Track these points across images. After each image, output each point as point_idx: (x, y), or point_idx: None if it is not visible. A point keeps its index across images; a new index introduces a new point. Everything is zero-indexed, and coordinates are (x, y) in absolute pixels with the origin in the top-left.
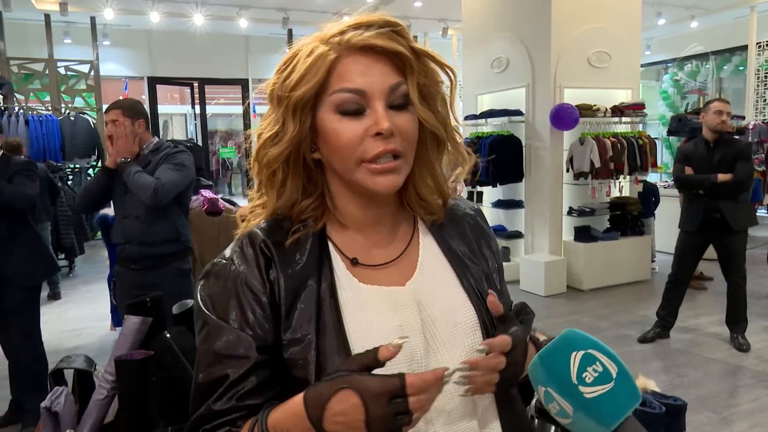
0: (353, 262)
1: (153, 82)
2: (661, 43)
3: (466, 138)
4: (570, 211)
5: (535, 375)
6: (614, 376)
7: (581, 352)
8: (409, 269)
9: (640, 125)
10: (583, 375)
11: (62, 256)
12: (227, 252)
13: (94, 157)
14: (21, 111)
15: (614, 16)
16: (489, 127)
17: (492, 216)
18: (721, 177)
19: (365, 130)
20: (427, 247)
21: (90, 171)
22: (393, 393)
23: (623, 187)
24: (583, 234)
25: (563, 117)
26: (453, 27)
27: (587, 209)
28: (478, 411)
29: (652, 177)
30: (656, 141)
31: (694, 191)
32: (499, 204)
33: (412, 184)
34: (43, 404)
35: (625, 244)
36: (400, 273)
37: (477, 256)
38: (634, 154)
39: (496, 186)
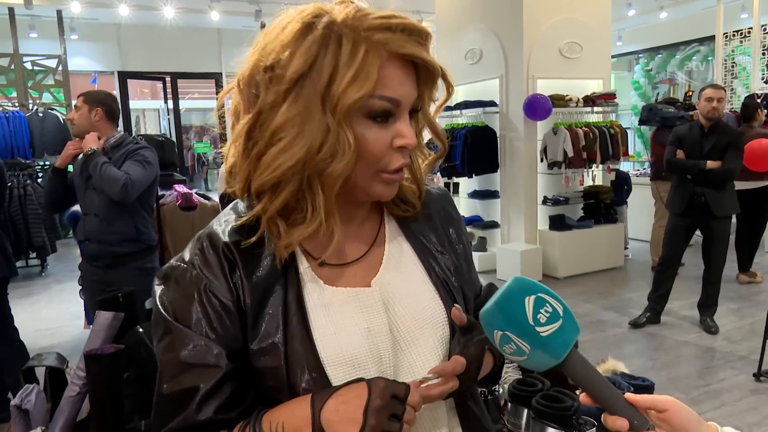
0: (320, 264)
1: (123, 76)
2: (632, 33)
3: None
4: (545, 201)
5: (492, 321)
6: (561, 314)
7: (533, 296)
8: (376, 265)
9: (612, 115)
10: (538, 316)
11: (33, 255)
12: (186, 254)
13: None
14: None
15: (585, 7)
16: (464, 118)
17: (468, 206)
18: (710, 164)
19: (391, 140)
20: (394, 241)
21: None
22: (396, 394)
23: (596, 175)
24: (557, 223)
25: (536, 107)
26: (428, 19)
27: (561, 198)
28: (442, 420)
29: (624, 166)
30: (628, 130)
31: (682, 175)
32: (475, 194)
33: None
34: (13, 402)
35: (598, 231)
36: (367, 270)
37: (445, 246)
38: (606, 144)
39: (472, 177)
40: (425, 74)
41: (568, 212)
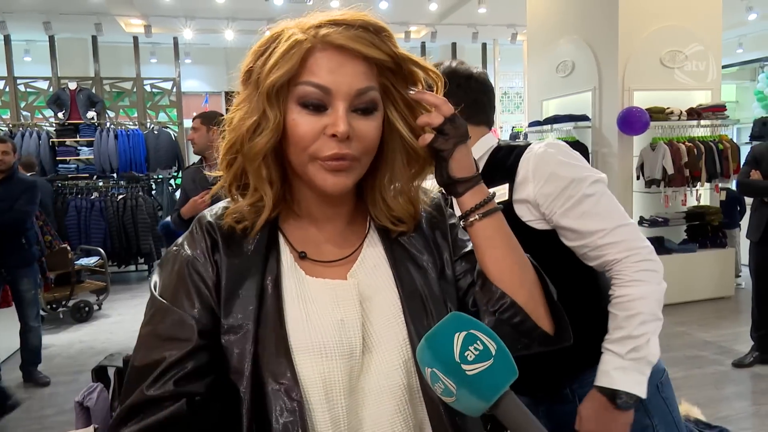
0: (301, 256)
1: (229, 96)
2: (755, 39)
3: None
4: (641, 221)
5: (422, 357)
6: (493, 353)
7: (464, 333)
8: (353, 265)
9: (733, 128)
10: (465, 354)
11: (142, 260)
12: (180, 239)
13: (175, 168)
14: (111, 126)
15: (691, 12)
16: (555, 133)
17: None
18: None
19: (323, 128)
20: (373, 247)
21: (171, 181)
22: None
23: (701, 195)
24: (655, 245)
25: (632, 121)
26: (522, 33)
27: (660, 219)
28: None
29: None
30: (747, 146)
31: (758, 198)
32: None
33: (377, 190)
34: (76, 399)
35: (704, 256)
36: (347, 269)
37: (429, 247)
38: (713, 160)
39: None
40: (374, 65)
41: (669, 234)
